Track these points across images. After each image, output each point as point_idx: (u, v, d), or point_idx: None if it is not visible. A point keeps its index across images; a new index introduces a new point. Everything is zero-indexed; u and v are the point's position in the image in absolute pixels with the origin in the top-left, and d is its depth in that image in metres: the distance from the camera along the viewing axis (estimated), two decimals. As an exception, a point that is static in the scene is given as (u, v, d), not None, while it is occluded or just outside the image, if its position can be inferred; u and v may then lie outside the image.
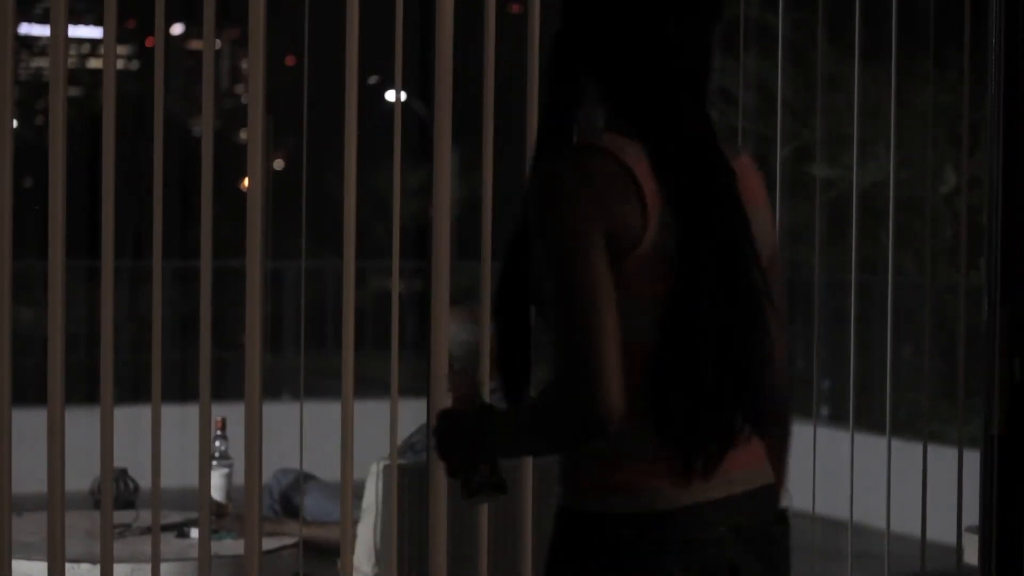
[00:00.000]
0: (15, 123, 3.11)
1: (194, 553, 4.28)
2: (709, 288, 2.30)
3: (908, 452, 5.05)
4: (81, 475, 4.47)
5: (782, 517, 2.44)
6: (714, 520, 2.31)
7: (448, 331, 3.33)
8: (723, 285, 2.31)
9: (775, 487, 2.43)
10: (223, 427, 4.85)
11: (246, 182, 3.21)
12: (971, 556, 4.11)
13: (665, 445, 2.29)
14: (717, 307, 2.30)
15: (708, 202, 2.32)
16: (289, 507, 5.60)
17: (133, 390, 10.79)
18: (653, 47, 2.35)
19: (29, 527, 4.52)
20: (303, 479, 5.55)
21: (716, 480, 2.32)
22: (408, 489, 4.60)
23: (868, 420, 8.55)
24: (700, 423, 2.30)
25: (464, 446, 2.41)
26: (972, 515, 3.84)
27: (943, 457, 4.47)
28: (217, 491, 4.72)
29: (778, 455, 2.49)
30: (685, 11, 2.36)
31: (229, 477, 4.77)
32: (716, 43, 2.39)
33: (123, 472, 5.35)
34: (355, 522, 4.72)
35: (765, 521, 2.39)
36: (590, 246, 2.25)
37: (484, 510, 3.39)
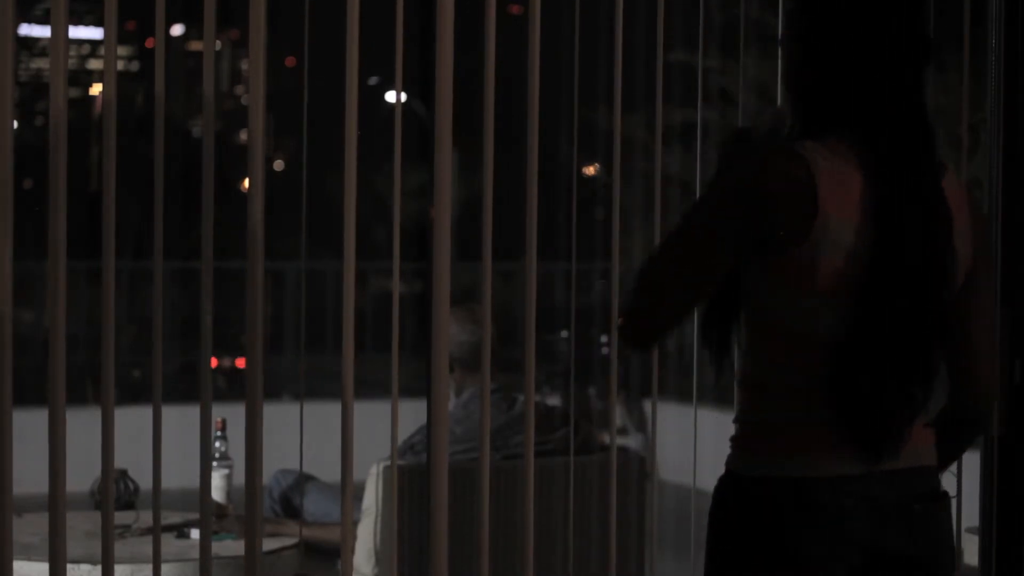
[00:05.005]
0: (15, 124, 3.11)
1: (194, 554, 4.28)
2: (903, 291, 2.51)
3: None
4: (82, 476, 4.47)
5: (934, 496, 2.62)
6: (848, 492, 2.51)
7: (448, 332, 3.32)
8: (916, 289, 2.52)
9: (927, 469, 2.62)
10: (223, 428, 4.86)
11: (246, 183, 3.21)
12: (971, 557, 4.11)
13: (840, 427, 2.51)
14: (907, 308, 2.52)
15: (914, 211, 2.52)
16: (289, 508, 5.61)
17: (134, 391, 10.80)
18: (878, 65, 2.56)
19: (29, 528, 4.52)
20: (303, 480, 5.55)
21: (858, 457, 2.52)
22: (408, 490, 4.61)
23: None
24: (884, 412, 2.52)
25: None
26: (972, 516, 3.84)
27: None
28: (217, 492, 4.72)
29: (962, 438, 2.76)
30: (902, 31, 2.57)
31: (229, 478, 4.77)
32: (929, 64, 2.62)
33: (123, 473, 5.36)
34: (355, 523, 4.72)
35: (906, 498, 2.56)
36: (723, 229, 2.51)
37: (484, 510, 3.39)
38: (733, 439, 2.62)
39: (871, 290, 2.50)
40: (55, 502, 3.09)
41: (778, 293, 2.52)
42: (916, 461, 2.59)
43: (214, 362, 3.19)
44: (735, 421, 2.62)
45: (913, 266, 2.52)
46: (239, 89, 21.51)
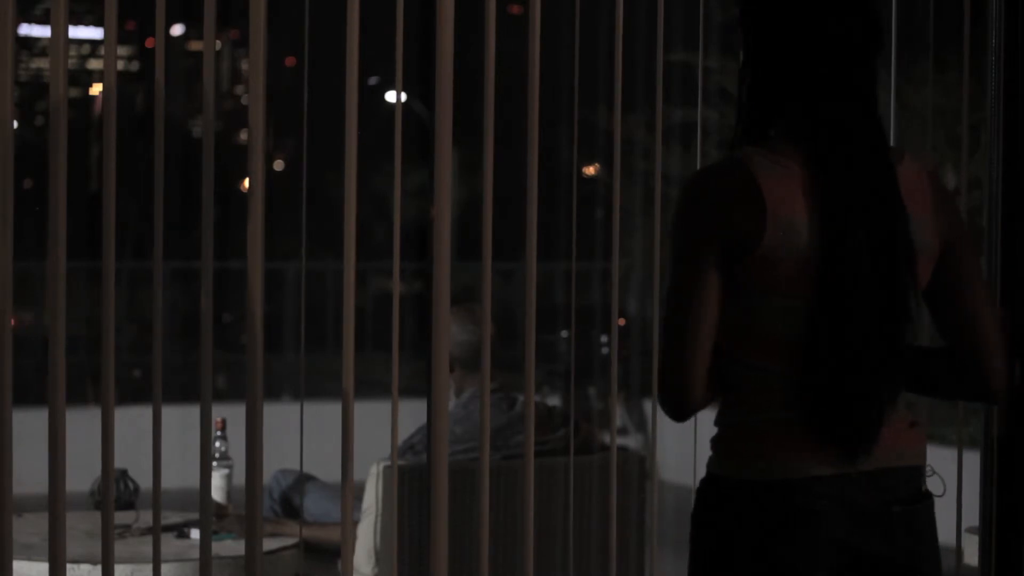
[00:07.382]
0: (15, 124, 3.11)
1: (194, 554, 4.28)
2: (853, 284, 2.49)
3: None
4: (81, 476, 4.47)
5: (915, 497, 2.60)
6: (821, 494, 2.50)
7: (448, 332, 3.32)
8: (867, 280, 2.49)
9: (909, 469, 2.60)
10: (223, 428, 4.85)
11: (246, 183, 3.21)
12: (971, 557, 4.10)
13: (811, 427, 2.50)
14: (861, 301, 2.49)
15: (858, 201, 2.50)
16: (289, 508, 5.61)
17: (134, 391, 10.79)
18: (813, 61, 2.54)
19: (29, 528, 4.52)
20: (303, 480, 5.55)
21: (833, 458, 2.51)
22: (408, 490, 4.61)
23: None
24: (850, 409, 2.49)
25: None
26: (972, 516, 3.83)
27: (942, 458, 4.47)
28: (217, 492, 4.72)
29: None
30: (840, 23, 2.54)
31: (229, 478, 4.77)
32: (878, 54, 2.58)
33: (123, 473, 5.35)
34: (355, 523, 4.72)
35: (885, 500, 2.55)
36: (696, 254, 2.50)
37: (484, 510, 3.38)
38: (712, 441, 2.62)
39: (824, 288, 2.49)
40: (55, 502, 3.09)
41: (745, 296, 2.52)
42: (896, 462, 2.57)
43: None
44: (715, 423, 2.63)
45: (861, 262, 2.49)
46: (239, 89, 21.51)
